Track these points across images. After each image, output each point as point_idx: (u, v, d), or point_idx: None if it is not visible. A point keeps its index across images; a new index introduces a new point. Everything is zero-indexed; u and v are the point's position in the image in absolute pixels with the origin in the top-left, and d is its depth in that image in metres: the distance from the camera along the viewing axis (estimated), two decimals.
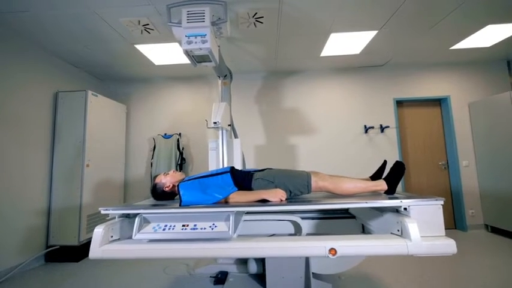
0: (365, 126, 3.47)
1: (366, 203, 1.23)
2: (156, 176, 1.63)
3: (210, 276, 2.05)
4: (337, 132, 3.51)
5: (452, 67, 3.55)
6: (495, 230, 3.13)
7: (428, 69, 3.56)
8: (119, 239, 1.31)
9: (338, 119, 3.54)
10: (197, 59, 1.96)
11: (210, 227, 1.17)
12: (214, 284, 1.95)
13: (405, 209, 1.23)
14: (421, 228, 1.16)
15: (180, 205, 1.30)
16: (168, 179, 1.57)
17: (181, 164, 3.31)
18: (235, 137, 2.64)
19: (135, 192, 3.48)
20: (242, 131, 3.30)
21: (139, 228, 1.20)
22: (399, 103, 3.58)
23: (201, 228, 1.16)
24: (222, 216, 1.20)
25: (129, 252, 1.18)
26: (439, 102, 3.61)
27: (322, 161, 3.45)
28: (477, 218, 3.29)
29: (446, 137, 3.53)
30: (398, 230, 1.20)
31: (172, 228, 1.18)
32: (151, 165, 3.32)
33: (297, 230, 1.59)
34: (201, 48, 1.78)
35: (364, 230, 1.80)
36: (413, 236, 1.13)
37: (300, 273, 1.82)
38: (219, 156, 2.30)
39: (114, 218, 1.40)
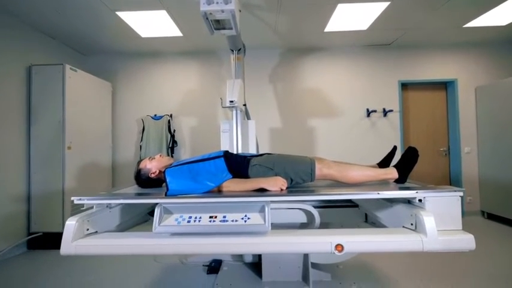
0: (367, 110, 3.30)
1: (378, 194, 1.09)
2: (140, 161, 1.45)
3: (203, 265, 1.95)
4: (337, 116, 3.34)
5: (461, 49, 3.34)
6: (491, 217, 3.12)
7: (437, 51, 3.34)
8: (96, 232, 1.15)
9: (339, 101, 3.35)
10: (215, 24, 1.64)
11: (242, 218, 1.00)
12: (208, 273, 1.86)
13: (420, 200, 1.09)
14: (436, 222, 1.03)
15: (165, 194, 1.13)
16: (153, 164, 1.40)
17: (172, 147, 3.12)
18: (248, 118, 2.44)
19: (125, 176, 3.30)
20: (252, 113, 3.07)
21: (160, 221, 1.02)
22: (404, 86, 3.39)
23: (232, 221, 1.00)
24: (255, 207, 1.04)
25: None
26: (445, 86, 3.44)
27: (320, 146, 3.31)
28: (474, 204, 3.26)
29: (450, 122, 3.40)
30: (412, 224, 1.07)
31: (199, 220, 1.01)
32: (141, 148, 3.12)
33: (310, 220, 1.44)
34: (223, 11, 1.48)
35: (367, 219, 1.70)
36: (429, 230, 1.00)
37: (297, 263, 1.73)
38: (232, 139, 2.11)
39: (92, 207, 1.24)
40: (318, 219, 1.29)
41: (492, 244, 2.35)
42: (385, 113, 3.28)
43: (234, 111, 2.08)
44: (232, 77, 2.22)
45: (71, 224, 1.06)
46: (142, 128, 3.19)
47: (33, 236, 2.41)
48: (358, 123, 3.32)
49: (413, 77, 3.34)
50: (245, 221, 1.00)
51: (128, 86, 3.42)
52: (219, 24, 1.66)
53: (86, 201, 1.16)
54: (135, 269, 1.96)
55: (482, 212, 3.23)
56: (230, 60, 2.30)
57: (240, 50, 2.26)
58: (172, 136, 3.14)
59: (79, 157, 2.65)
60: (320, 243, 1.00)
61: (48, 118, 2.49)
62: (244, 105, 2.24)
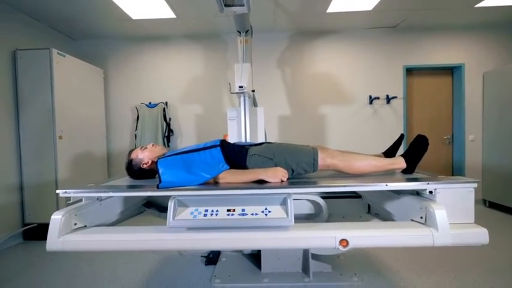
0: (370, 97, 3.18)
1: (386, 185, 1.01)
2: (131, 151, 1.37)
3: (201, 256, 1.92)
4: (339, 103, 3.22)
5: (470, 32, 3.17)
6: (492, 205, 3.09)
7: (444, 34, 3.18)
8: (85, 226, 1.08)
9: (340, 88, 3.22)
10: (226, 0, 1.52)
11: (263, 212, 0.95)
12: (206, 265, 1.83)
13: (430, 192, 1.02)
14: (448, 215, 0.96)
15: (157, 186, 1.05)
16: (146, 154, 1.31)
17: (168, 136, 3.03)
18: (255, 105, 2.34)
19: (120, 166, 3.19)
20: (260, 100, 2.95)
21: (175, 214, 0.96)
22: (409, 71, 3.26)
23: (252, 214, 0.94)
24: (276, 200, 0.98)
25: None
26: (451, 71, 3.31)
27: (329, 135, 3.22)
28: (475, 193, 3.22)
29: (455, 109, 3.30)
30: (421, 217, 1.00)
31: (216, 214, 0.95)
32: (136, 137, 3.03)
33: (317, 210, 1.38)
34: None
35: (369, 210, 1.64)
36: (440, 224, 0.94)
37: (297, 254, 1.69)
38: (240, 127, 2.01)
39: (81, 200, 1.17)
40: (326, 211, 1.22)
41: (495, 234, 2.30)
42: (388, 100, 3.17)
43: (242, 98, 1.97)
44: (240, 60, 2.08)
45: (56, 218, 1.00)
46: (136, 117, 3.08)
47: (28, 227, 2.36)
48: (360, 111, 3.21)
49: (418, 61, 3.20)
50: (266, 215, 0.94)
51: (121, 72, 3.27)
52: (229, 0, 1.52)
53: (72, 194, 1.08)
54: (131, 260, 1.93)
55: (484, 201, 3.20)
56: (237, 43, 2.15)
57: (247, 31, 2.11)
58: (168, 125, 3.04)
59: (71, 147, 2.56)
60: (321, 237, 0.94)
61: (37, 106, 2.37)
62: (253, 91, 2.13)
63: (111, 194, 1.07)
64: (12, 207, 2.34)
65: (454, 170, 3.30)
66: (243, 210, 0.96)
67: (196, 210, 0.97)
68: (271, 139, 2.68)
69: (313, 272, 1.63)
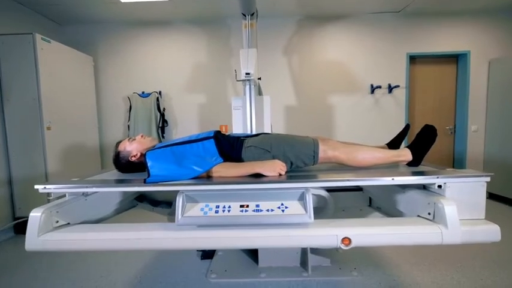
0: (371, 86, 3.07)
1: (392, 179, 0.94)
2: (119, 143, 1.28)
3: (197, 250, 1.87)
4: (339, 92, 3.11)
5: (477, 17, 3.03)
6: (492, 196, 3.06)
7: (449, 19, 3.04)
8: (68, 223, 1.01)
9: (340, 77, 3.10)
10: None
11: (279, 208, 0.89)
12: (202, 259, 1.78)
13: (439, 186, 0.95)
14: (458, 211, 0.90)
15: (144, 181, 0.97)
16: (134, 146, 1.22)
17: (162, 127, 2.92)
18: (260, 94, 2.23)
19: None
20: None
21: (183, 211, 0.89)
22: (412, 59, 3.13)
23: (268, 210, 0.88)
24: (293, 194, 0.91)
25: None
26: (456, 59, 3.19)
27: (324, 125, 3.13)
28: None
29: (458, 99, 3.21)
30: (429, 213, 0.94)
31: (228, 210, 0.89)
32: (129, 128, 2.93)
33: (322, 204, 1.31)
34: None
35: (371, 203, 1.58)
36: (450, 221, 0.87)
37: (296, 248, 1.64)
38: (246, 117, 1.93)
39: (64, 196, 1.09)
40: (332, 206, 1.15)
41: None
42: (390, 89, 3.07)
43: (248, 86, 1.87)
44: (245, 46, 1.96)
45: (35, 216, 0.92)
46: (129, 107, 2.96)
47: (18, 221, 2.29)
48: (361, 101, 3.11)
49: (422, 49, 3.07)
50: (283, 211, 0.88)
51: (112, 60, 3.12)
52: None
53: (52, 189, 1.00)
54: (125, 256, 1.88)
55: None
56: (241, 28, 2.02)
57: (253, 14, 1.98)
58: (162, 115, 2.93)
59: (61, 138, 2.46)
60: (320, 236, 0.87)
61: (22, 95, 2.25)
62: (259, 79, 2.04)
63: (94, 189, 0.99)
64: (1, 201, 2.26)
65: (455, 161, 3.25)
66: (257, 206, 0.89)
67: (206, 206, 0.91)
68: (276, 130, 2.59)
69: (312, 266, 1.59)
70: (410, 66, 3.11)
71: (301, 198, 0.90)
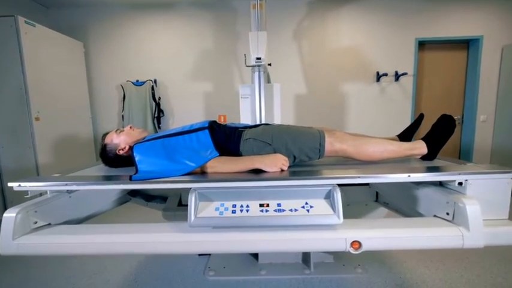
0: (377, 74, 2.93)
1: (409, 176, 0.84)
2: (105, 134, 1.17)
3: None
4: (342, 80, 2.97)
5: (490, 0, 2.84)
6: None
7: (462, 1, 2.85)
8: (49, 224, 0.92)
9: (347, 64, 2.95)
10: None
11: (303, 207, 0.80)
12: (200, 255, 1.71)
13: (460, 183, 0.85)
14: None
15: (130, 178, 0.87)
16: (122, 139, 1.12)
17: (158, 117, 2.80)
18: (268, 81, 2.11)
19: None
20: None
21: (196, 211, 0.80)
22: (421, 45, 2.97)
23: (291, 210, 0.79)
24: (319, 192, 0.82)
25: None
26: (467, 45, 3.02)
27: (316, 116, 3.01)
28: None
29: (467, 87, 3.06)
30: (447, 214, 0.84)
31: (247, 210, 0.80)
32: (123, 118, 2.81)
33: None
34: None
35: (377, 199, 1.50)
36: (472, 223, 0.78)
37: None
38: (254, 106, 1.82)
39: (45, 193, 0.99)
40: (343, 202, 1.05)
41: None
42: (397, 77, 2.92)
43: (257, 73, 1.75)
44: (253, 28, 1.82)
45: (9, 217, 0.83)
46: (123, 96, 2.82)
47: None
48: (366, 89, 2.97)
49: (432, 34, 2.90)
50: (308, 211, 0.79)
51: (104, 46, 2.95)
52: None
53: (28, 187, 0.90)
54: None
55: None
56: (249, 9, 1.86)
57: None
58: (158, 104, 2.80)
59: (52, 129, 2.35)
60: (328, 239, 0.78)
61: (7, 84, 2.12)
62: (269, 64, 1.91)
63: (75, 187, 0.89)
64: None
65: (462, 153, 3.15)
66: (278, 205, 0.80)
67: (222, 205, 0.82)
68: (284, 121, 2.48)
69: (314, 262, 1.52)
70: (418, 53, 2.94)
71: (328, 197, 0.81)
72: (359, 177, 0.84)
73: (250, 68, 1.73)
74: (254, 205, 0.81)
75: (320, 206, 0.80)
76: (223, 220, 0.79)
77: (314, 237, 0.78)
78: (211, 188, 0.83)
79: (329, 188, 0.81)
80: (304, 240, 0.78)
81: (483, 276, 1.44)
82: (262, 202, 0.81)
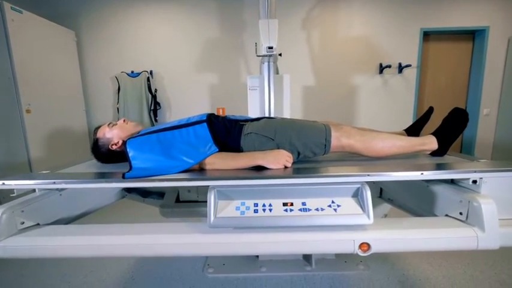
0: (380, 65, 2.85)
1: (422, 174, 0.79)
2: (97, 128, 1.10)
3: None
4: (344, 73, 2.89)
5: None
6: None
7: None
8: (37, 224, 0.86)
9: (347, 56, 2.86)
10: None
11: (330, 206, 0.75)
12: None
13: (474, 181, 0.81)
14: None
15: (123, 176, 0.81)
16: (115, 133, 1.05)
17: (155, 109, 2.72)
18: (276, 73, 2.03)
19: None
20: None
21: (216, 210, 0.75)
22: (426, 35, 2.88)
23: (317, 209, 0.74)
24: (346, 190, 0.77)
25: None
26: (473, 36, 2.94)
27: (317, 109, 2.94)
28: None
29: (472, 79, 3.00)
30: (460, 213, 0.80)
31: (270, 209, 0.75)
32: (118, 111, 2.72)
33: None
34: None
35: (381, 195, 1.46)
36: (488, 223, 0.73)
37: None
38: (263, 98, 1.75)
39: (34, 191, 0.93)
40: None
41: None
42: (400, 68, 2.84)
43: (266, 63, 1.67)
44: (262, 16, 1.71)
45: None
46: (118, 87, 2.73)
47: None
48: (368, 81, 2.89)
49: (437, 24, 2.81)
50: (335, 210, 0.74)
51: (97, 35, 2.83)
52: None
53: (13, 186, 0.84)
54: None
55: None
56: None
57: None
58: (154, 97, 2.71)
59: (44, 122, 2.26)
60: (333, 240, 0.74)
61: None
62: (280, 54, 1.84)
63: (64, 185, 0.83)
64: None
65: (463, 147, 3.12)
66: (303, 204, 0.75)
67: (242, 204, 0.76)
68: (294, 113, 2.41)
69: (316, 259, 1.50)
70: (423, 44, 2.86)
71: (356, 195, 0.76)
72: (372, 174, 0.78)
73: (260, 58, 1.64)
74: (277, 204, 0.75)
75: (348, 205, 0.74)
76: (245, 220, 0.73)
77: (320, 239, 0.73)
78: (231, 186, 0.78)
79: (358, 185, 0.75)
80: (307, 242, 0.73)
81: (487, 272, 1.42)
82: (285, 201, 0.76)
